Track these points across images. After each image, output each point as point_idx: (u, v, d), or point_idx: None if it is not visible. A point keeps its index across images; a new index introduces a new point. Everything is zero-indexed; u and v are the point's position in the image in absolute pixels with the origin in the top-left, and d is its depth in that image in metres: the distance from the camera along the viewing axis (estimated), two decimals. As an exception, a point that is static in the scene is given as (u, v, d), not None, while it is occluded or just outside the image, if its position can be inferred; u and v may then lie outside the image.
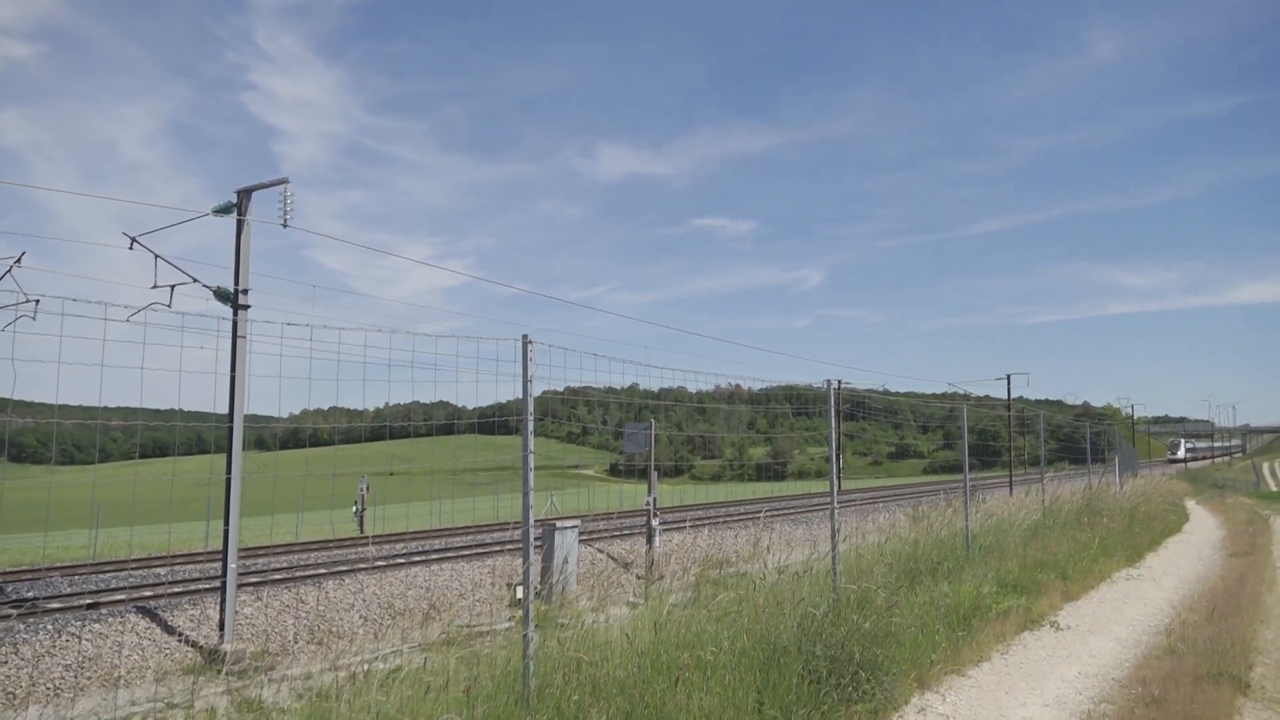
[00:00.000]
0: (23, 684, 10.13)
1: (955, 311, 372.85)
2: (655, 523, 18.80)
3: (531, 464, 6.04)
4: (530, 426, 6.06)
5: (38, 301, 14.88)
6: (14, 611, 12.30)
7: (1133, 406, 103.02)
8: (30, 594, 14.14)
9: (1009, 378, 45.08)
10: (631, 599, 9.88)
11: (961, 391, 47.43)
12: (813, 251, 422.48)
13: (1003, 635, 9.88)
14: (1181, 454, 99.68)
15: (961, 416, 16.52)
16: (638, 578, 17.13)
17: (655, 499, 19.08)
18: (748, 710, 5.93)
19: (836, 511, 9.81)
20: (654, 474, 19.61)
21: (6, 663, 10.45)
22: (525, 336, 6.16)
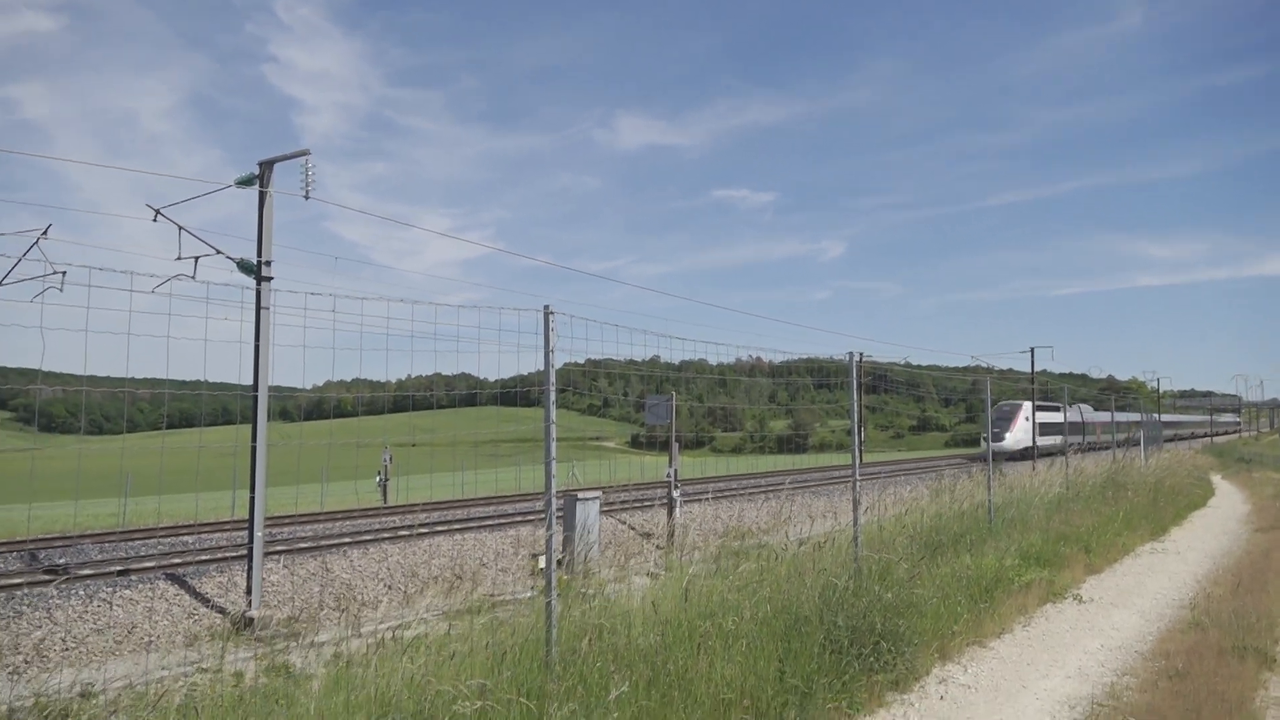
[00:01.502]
0: (56, 648, 10.34)
1: (978, 284, 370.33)
2: (676, 494, 18.86)
3: (553, 434, 6.05)
4: (552, 397, 6.06)
5: (64, 273, 15.02)
6: (48, 578, 12.54)
7: (1158, 380, 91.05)
8: (62, 561, 14.40)
9: (1032, 351, 44.59)
10: (653, 569, 9.92)
11: (984, 364, 46.98)
12: (833, 223, 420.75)
13: (1025, 607, 9.87)
14: (1014, 438, 48.13)
15: (985, 389, 16.42)
16: (659, 548, 17.21)
17: (676, 470, 19.13)
18: (770, 679, 5.96)
19: (858, 483, 9.79)
20: (675, 446, 19.64)
21: (41, 627, 10.67)
22: (547, 307, 6.16)
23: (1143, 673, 7.49)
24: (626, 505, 21.15)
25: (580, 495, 15.76)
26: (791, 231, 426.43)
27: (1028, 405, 48.65)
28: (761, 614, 6.78)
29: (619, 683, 5.25)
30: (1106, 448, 44.03)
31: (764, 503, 23.14)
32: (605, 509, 18.34)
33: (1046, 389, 51.22)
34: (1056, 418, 51.12)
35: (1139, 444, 33.59)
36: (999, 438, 48.09)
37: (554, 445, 6.07)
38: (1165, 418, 71.17)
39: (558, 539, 6.18)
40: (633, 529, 19.19)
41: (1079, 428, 52.17)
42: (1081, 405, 54.68)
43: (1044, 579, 10.87)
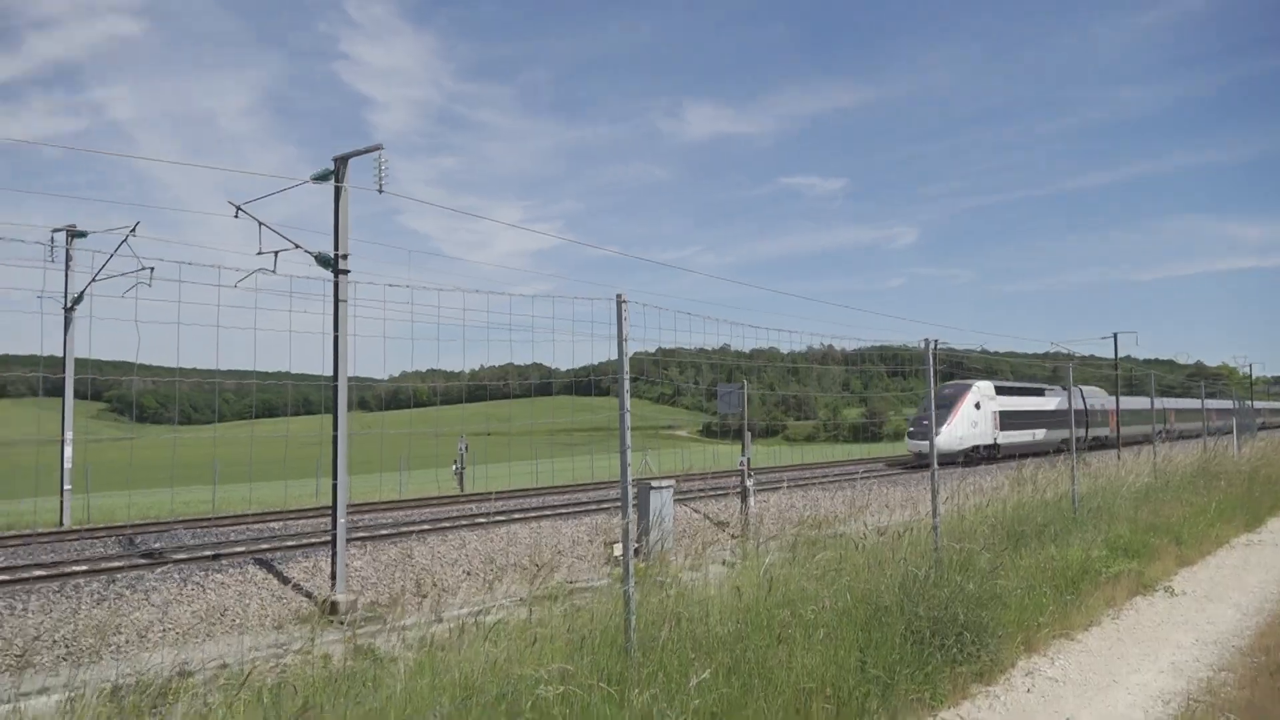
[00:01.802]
0: (155, 629, 10.79)
1: (1056, 269, 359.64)
2: (749, 483, 18.77)
3: (628, 423, 6.04)
4: (626, 384, 6.05)
5: (152, 269, 15.64)
6: (145, 562, 13.09)
7: (1250, 366, 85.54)
8: (158, 545, 15.01)
9: (1115, 336, 42.99)
10: (728, 557, 9.88)
11: (1065, 351, 45.55)
12: (905, 210, 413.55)
13: (1113, 600, 9.58)
14: (954, 434, 31.88)
15: (1067, 377, 15.95)
16: (733, 537, 17.16)
17: (749, 459, 19.04)
18: (850, 669, 5.90)
19: (937, 472, 9.61)
20: (747, 434, 19.55)
21: (140, 609, 11.13)
22: (620, 295, 6.16)
23: (1241, 668, 7.21)
24: (699, 494, 21.15)
25: (654, 484, 15.81)
26: (862, 219, 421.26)
27: (982, 386, 35.15)
28: (841, 604, 6.72)
29: (699, 670, 5.26)
30: (1117, 445, 37.05)
31: (838, 492, 22.89)
32: (678, 497, 18.36)
33: (1130, 375, 49.51)
34: (1029, 404, 38.37)
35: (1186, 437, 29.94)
36: (918, 440, 34.44)
37: (629, 433, 6.06)
38: (1259, 404, 63.43)
39: (634, 527, 6.19)
40: (707, 517, 19.18)
41: (1063, 419, 38.48)
42: (1085, 388, 41.94)
43: (1133, 571, 10.54)
